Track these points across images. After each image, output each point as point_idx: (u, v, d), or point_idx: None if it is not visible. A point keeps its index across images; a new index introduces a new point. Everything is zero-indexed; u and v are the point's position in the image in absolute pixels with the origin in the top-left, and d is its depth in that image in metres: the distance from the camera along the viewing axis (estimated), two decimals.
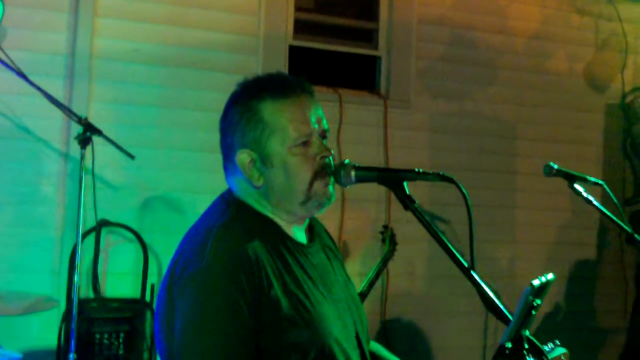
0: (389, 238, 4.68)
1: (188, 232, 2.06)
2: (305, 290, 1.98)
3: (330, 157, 2.09)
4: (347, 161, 2.10)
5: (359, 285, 4.44)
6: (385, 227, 4.78)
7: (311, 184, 2.04)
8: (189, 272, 1.89)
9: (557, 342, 1.95)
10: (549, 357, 1.82)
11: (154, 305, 3.40)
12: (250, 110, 2.05)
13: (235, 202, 2.08)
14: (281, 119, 2.03)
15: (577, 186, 3.33)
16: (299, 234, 2.14)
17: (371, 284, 4.46)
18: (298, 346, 1.89)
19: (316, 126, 2.07)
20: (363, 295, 4.42)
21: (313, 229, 2.23)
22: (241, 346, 1.83)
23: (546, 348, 1.90)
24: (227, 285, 1.85)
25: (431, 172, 2.03)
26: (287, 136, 2.02)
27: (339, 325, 2.02)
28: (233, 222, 2.00)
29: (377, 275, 4.53)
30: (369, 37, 5.74)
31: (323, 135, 2.10)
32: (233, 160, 2.07)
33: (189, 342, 1.83)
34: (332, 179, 2.08)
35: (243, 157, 2.05)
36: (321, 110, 2.12)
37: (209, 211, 2.10)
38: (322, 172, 2.05)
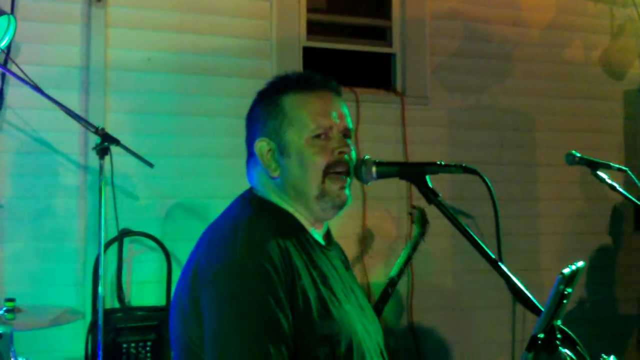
0: (418, 219, 4.57)
1: (207, 230, 2.04)
2: (330, 287, 1.97)
3: (349, 156, 2.06)
4: (367, 157, 2.08)
5: (388, 272, 4.41)
6: (414, 207, 4.68)
7: (324, 177, 2.02)
8: (220, 264, 1.86)
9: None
10: None
11: None
12: (272, 103, 2.06)
13: (256, 199, 2.08)
14: (301, 111, 2.04)
15: (600, 173, 3.30)
16: (318, 237, 2.12)
17: (401, 270, 4.39)
18: (328, 338, 1.86)
19: (337, 121, 2.06)
20: (393, 282, 4.35)
21: (330, 237, 2.22)
22: (284, 334, 1.80)
23: None
24: (266, 274, 1.82)
25: (453, 164, 2.01)
26: (305, 127, 2.02)
27: (361, 327, 2.01)
28: (257, 216, 1.99)
29: (408, 260, 4.45)
30: (383, 34, 5.72)
31: (346, 133, 2.08)
32: (253, 153, 2.08)
33: (229, 332, 1.79)
34: (348, 181, 2.06)
35: (262, 145, 2.06)
36: (347, 109, 2.11)
37: (229, 209, 2.09)
38: (338, 166, 2.03)
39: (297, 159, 2.02)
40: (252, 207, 2.04)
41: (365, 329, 2.03)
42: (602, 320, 5.92)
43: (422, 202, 2.05)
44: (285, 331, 1.80)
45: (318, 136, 2.03)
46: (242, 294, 1.81)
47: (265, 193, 2.08)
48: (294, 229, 2.02)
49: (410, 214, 4.66)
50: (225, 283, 1.84)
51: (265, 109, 2.07)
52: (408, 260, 4.46)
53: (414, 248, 4.52)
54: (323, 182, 2.02)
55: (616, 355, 1.83)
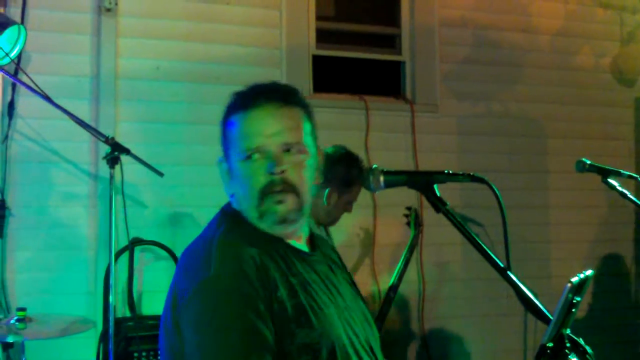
0: (413, 221, 4.59)
1: (187, 249, 2.04)
2: (311, 293, 1.96)
3: (280, 175, 1.99)
4: (375, 166, 2.08)
5: (389, 278, 4.43)
6: (409, 208, 4.68)
7: (260, 200, 2.00)
8: (196, 283, 1.87)
9: None
10: None
11: None
12: (221, 125, 2.11)
13: (231, 212, 2.09)
14: (235, 133, 2.04)
15: (611, 180, 3.29)
16: (298, 246, 2.10)
17: (401, 275, 4.40)
18: (309, 346, 1.86)
19: (268, 140, 2.01)
20: (394, 287, 4.36)
21: (314, 242, 2.20)
22: (267, 344, 1.80)
23: None
24: (241, 289, 1.83)
25: (461, 172, 2.01)
26: (237, 149, 2.03)
27: (348, 330, 2.00)
28: (230, 232, 2.00)
29: (406, 264, 4.46)
30: (392, 42, 5.72)
31: (284, 148, 2.02)
32: None
33: (210, 350, 1.78)
34: (287, 194, 2.00)
35: (221, 166, 2.12)
36: (290, 120, 2.06)
37: (208, 225, 2.10)
38: (272, 187, 1.99)
39: (238, 181, 2.04)
40: (225, 222, 2.04)
41: (352, 331, 2.01)
42: (614, 328, 5.90)
43: (432, 211, 2.03)
44: (269, 341, 1.80)
45: (248, 158, 2.01)
46: (220, 311, 1.81)
47: (239, 207, 2.08)
48: (268, 241, 2.00)
49: (406, 215, 4.65)
50: (202, 302, 1.84)
51: (220, 131, 2.11)
52: (407, 264, 4.47)
53: (411, 250, 4.53)
54: (260, 204, 2.00)
55: None
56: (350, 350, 1.95)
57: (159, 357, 4.30)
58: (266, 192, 2.00)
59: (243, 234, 1.98)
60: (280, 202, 2.00)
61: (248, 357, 1.76)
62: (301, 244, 2.12)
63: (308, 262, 2.06)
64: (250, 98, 2.07)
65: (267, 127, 2.03)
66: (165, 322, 1.96)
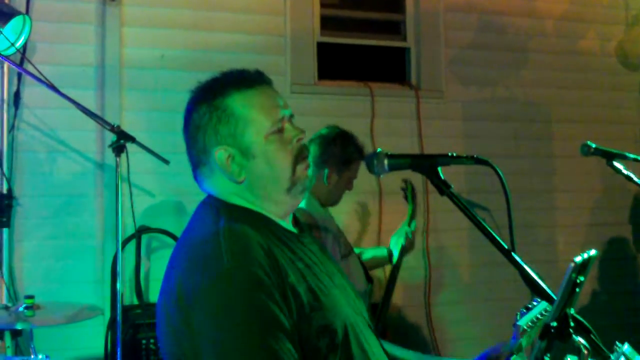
0: (410, 193, 4.56)
1: (182, 244, 1.99)
2: (316, 275, 1.97)
3: (304, 143, 2.08)
4: (379, 149, 2.08)
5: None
6: (405, 181, 4.61)
7: (294, 168, 2.02)
8: (208, 279, 1.81)
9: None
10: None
11: None
12: (219, 107, 2.02)
13: (222, 204, 2.04)
14: (253, 109, 2.01)
15: (616, 164, 3.29)
16: (290, 228, 2.11)
17: (402, 254, 4.38)
18: (325, 328, 1.86)
19: (285, 111, 2.06)
20: (397, 267, 4.36)
21: (299, 223, 2.20)
22: (288, 332, 1.78)
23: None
24: (258, 280, 1.79)
25: (465, 155, 2.01)
26: (262, 125, 2.00)
27: (349, 308, 2.01)
28: (234, 220, 1.95)
29: (407, 239, 4.45)
30: (397, 28, 5.72)
31: (291, 119, 2.09)
32: (207, 162, 2.05)
33: (232, 344, 1.75)
34: (309, 161, 2.08)
35: (220, 153, 2.01)
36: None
37: (197, 220, 2.06)
38: (302, 155, 2.05)
39: (262, 158, 2.01)
40: (222, 214, 1.99)
41: (352, 309, 2.03)
42: (623, 311, 5.90)
43: (437, 197, 2.04)
44: (288, 329, 1.78)
45: (280, 130, 2.02)
46: (238, 303, 1.78)
47: (229, 198, 2.05)
48: (269, 227, 2.00)
49: (403, 189, 4.62)
50: (218, 297, 1.79)
51: (213, 115, 2.03)
52: (407, 240, 4.44)
53: (410, 225, 4.50)
54: (293, 174, 2.03)
55: (636, 346, 1.82)
56: (358, 330, 1.96)
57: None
58: (298, 160, 2.03)
59: (247, 222, 1.96)
60: (308, 167, 2.07)
61: (271, 349, 1.74)
62: (288, 222, 2.12)
63: (303, 244, 2.06)
64: (249, 76, 2.08)
65: (280, 99, 2.08)
66: (170, 323, 1.89)
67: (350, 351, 1.90)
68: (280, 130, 2.03)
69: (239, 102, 2.02)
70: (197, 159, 2.09)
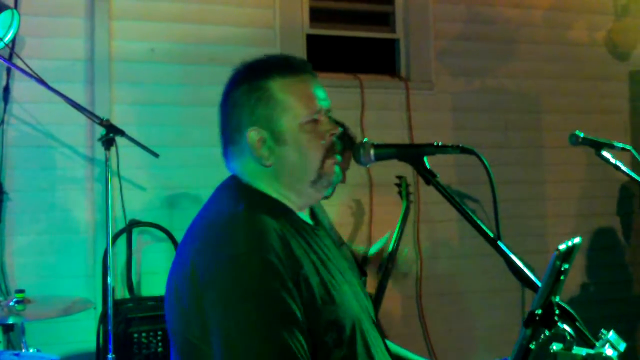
0: (405, 190, 4.57)
1: (198, 224, 1.99)
2: (329, 269, 1.96)
3: (337, 136, 2.07)
4: (365, 139, 2.09)
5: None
6: (400, 177, 4.64)
7: (323, 161, 2.02)
8: (223, 261, 1.81)
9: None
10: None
11: None
12: (260, 88, 2.01)
13: (244, 188, 2.04)
14: (292, 96, 2.01)
15: (604, 153, 3.30)
16: (307, 219, 2.11)
17: (397, 246, 4.40)
18: (334, 323, 1.86)
19: (323, 104, 2.05)
20: (392, 257, 4.37)
21: (315, 216, 2.21)
22: (298, 322, 1.78)
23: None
24: (271, 266, 1.79)
25: (451, 145, 2.02)
26: (298, 113, 2.00)
27: (357, 305, 2.01)
28: (252, 207, 1.95)
29: (401, 234, 4.46)
30: (386, 20, 5.72)
31: (328, 113, 2.08)
32: (239, 142, 2.04)
33: (241, 328, 1.75)
34: (339, 157, 2.06)
35: (252, 134, 2.00)
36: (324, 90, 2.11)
37: (215, 201, 2.05)
38: (332, 149, 2.04)
39: (293, 145, 2.00)
40: (242, 198, 1.99)
41: (360, 306, 2.03)
42: (613, 302, 5.93)
43: (428, 188, 2.04)
44: (299, 319, 1.78)
45: (315, 120, 2.02)
46: (251, 288, 1.78)
47: (253, 181, 2.04)
48: (287, 216, 2.00)
49: (397, 185, 4.62)
50: (232, 279, 1.79)
51: (252, 95, 2.02)
52: (401, 234, 4.46)
53: (404, 220, 4.51)
54: (322, 166, 2.02)
55: (625, 335, 1.83)
56: (364, 327, 1.96)
57: (159, 338, 4.33)
58: (329, 154, 2.03)
59: (266, 209, 1.96)
60: (338, 163, 2.05)
61: (281, 337, 1.73)
62: (306, 214, 2.12)
63: (318, 237, 2.06)
64: (296, 64, 2.08)
65: (322, 91, 2.08)
66: (179, 297, 1.89)
67: (355, 348, 1.90)
68: (316, 122, 2.03)
69: (280, 87, 2.01)
70: (229, 137, 2.08)
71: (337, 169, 2.06)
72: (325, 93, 2.08)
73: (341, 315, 1.89)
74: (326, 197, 2.31)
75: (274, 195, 2.04)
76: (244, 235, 1.85)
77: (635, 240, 6.17)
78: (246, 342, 1.74)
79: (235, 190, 2.04)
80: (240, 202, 1.96)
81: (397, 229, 4.48)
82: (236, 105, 2.05)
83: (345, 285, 2.00)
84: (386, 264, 4.40)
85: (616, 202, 6.13)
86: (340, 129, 2.07)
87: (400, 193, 4.57)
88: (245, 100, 2.03)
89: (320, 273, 1.92)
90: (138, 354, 4.28)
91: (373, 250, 4.52)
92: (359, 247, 4.78)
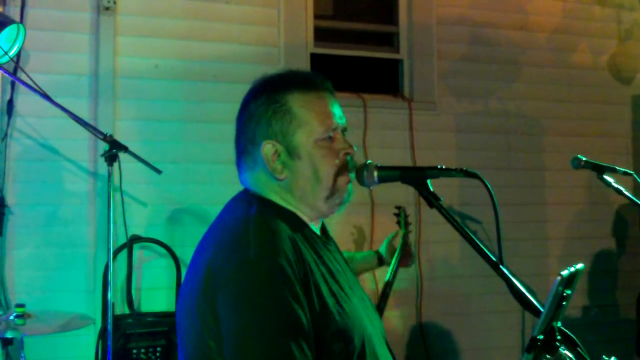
0: (403, 220, 4.58)
1: (213, 231, 2.01)
2: (338, 282, 1.97)
3: (352, 155, 2.08)
4: (369, 161, 2.09)
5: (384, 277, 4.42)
6: (399, 207, 4.67)
7: (335, 179, 2.03)
8: (235, 264, 1.82)
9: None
10: None
11: None
12: (277, 102, 2.03)
13: (257, 198, 2.05)
14: (309, 112, 2.03)
15: (606, 177, 3.30)
16: (317, 231, 2.12)
17: (395, 271, 4.39)
18: (342, 333, 1.86)
19: (339, 122, 2.07)
20: (389, 283, 4.36)
21: (326, 232, 2.21)
22: (304, 330, 1.78)
23: None
24: (282, 271, 1.80)
25: (454, 168, 2.02)
26: (313, 129, 2.02)
27: (368, 320, 2.01)
28: (265, 213, 1.97)
29: (398, 263, 4.45)
30: (390, 40, 5.74)
31: (343, 132, 2.09)
32: (252, 152, 2.05)
33: (248, 332, 1.76)
34: (352, 176, 2.08)
35: (268, 147, 2.02)
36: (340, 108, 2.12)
37: (229, 211, 2.06)
38: (346, 167, 2.05)
39: (307, 161, 2.01)
40: (255, 204, 2.01)
41: (371, 322, 2.03)
42: (608, 325, 5.92)
43: (430, 209, 2.04)
44: (305, 327, 1.78)
45: (330, 137, 2.03)
46: (259, 292, 1.78)
47: (265, 193, 2.06)
48: (299, 226, 2.01)
49: (396, 215, 4.64)
50: (242, 282, 1.80)
51: (270, 108, 2.04)
52: (398, 263, 4.44)
53: (403, 248, 4.50)
54: (334, 184, 2.03)
55: (623, 358, 1.82)
56: (374, 342, 1.97)
57: (158, 354, 4.32)
58: (342, 171, 2.04)
59: (279, 216, 1.98)
60: (350, 182, 2.07)
61: (287, 345, 1.74)
62: (317, 227, 2.14)
63: (329, 250, 2.08)
64: (315, 80, 2.09)
65: (339, 109, 2.09)
66: (194, 299, 1.89)
67: None
68: (331, 139, 2.04)
69: (298, 102, 2.03)
70: (244, 148, 2.10)
71: (349, 187, 2.07)
72: (342, 111, 2.10)
73: (349, 326, 1.88)
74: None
75: (287, 206, 2.05)
76: (254, 238, 1.87)
77: (631, 265, 6.15)
78: (251, 349, 1.74)
79: (247, 200, 2.05)
80: (252, 207, 1.99)
81: (396, 255, 4.47)
82: (253, 116, 2.06)
83: (354, 298, 2.01)
84: (384, 287, 4.39)
85: (615, 225, 6.12)
86: (355, 148, 2.08)
87: (398, 222, 4.58)
88: (263, 112, 2.04)
89: (329, 283, 1.92)
90: None
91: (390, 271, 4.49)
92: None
